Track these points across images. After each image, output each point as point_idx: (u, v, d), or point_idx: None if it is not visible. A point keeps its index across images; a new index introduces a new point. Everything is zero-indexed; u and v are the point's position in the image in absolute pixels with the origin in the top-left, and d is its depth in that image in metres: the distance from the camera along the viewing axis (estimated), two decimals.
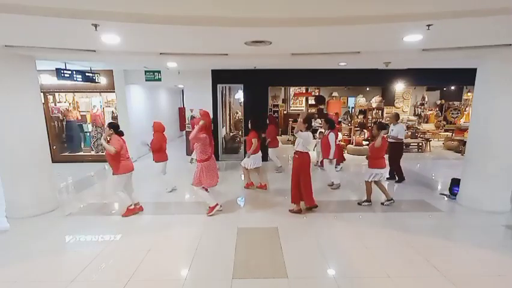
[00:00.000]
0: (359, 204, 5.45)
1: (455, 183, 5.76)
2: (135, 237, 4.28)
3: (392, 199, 5.43)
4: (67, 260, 3.75)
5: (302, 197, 5.01)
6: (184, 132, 10.67)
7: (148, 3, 2.71)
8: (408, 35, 3.78)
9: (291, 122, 12.97)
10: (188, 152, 8.98)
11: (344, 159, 8.40)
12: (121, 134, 4.89)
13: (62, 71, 6.40)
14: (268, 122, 8.21)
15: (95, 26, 3.15)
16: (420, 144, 10.97)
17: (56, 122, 9.28)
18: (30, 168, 4.84)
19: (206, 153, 4.78)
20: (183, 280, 3.24)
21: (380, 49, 4.94)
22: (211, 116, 5.98)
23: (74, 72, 6.76)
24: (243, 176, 6.76)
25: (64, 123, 9.45)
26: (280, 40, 4.11)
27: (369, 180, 5.30)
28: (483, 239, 4.16)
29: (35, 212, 4.93)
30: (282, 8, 2.85)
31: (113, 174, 4.88)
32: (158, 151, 5.93)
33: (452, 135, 11.64)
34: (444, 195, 5.93)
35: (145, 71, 8.77)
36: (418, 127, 12.34)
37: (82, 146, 9.73)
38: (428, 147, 10.98)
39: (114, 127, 4.86)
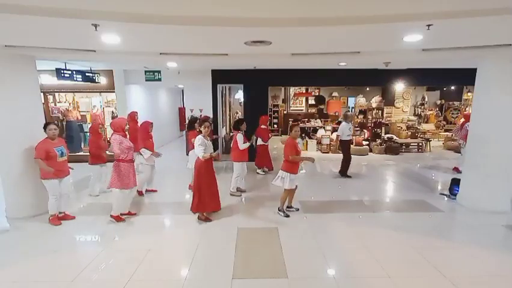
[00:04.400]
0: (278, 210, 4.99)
1: (455, 183, 5.77)
2: (135, 237, 4.28)
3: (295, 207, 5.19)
4: (67, 260, 3.74)
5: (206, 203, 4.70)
6: (184, 132, 10.67)
7: (148, 3, 2.71)
8: (408, 35, 3.78)
9: (291, 122, 12.97)
10: (188, 152, 8.96)
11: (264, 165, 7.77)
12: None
13: (62, 71, 6.41)
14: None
15: (95, 26, 3.15)
16: (420, 144, 10.96)
17: (56, 122, 9.28)
18: (30, 168, 4.82)
19: (128, 154, 4.63)
20: (183, 280, 3.24)
21: (380, 49, 4.94)
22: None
23: (74, 72, 6.77)
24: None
25: (64, 123, 9.46)
26: (280, 40, 4.11)
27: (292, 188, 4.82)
28: (483, 239, 4.16)
29: (35, 212, 4.93)
30: (282, 8, 2.85)
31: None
32: (95, 153, 5.79)
33: (452, 135, 11.64)
34: (445, 195, 5.93)
35: (145, 71, 8.77)
36: (418, 127, 12.35)
37: (82, 146, 9.72)
38: (428, 147, 10.97)
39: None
